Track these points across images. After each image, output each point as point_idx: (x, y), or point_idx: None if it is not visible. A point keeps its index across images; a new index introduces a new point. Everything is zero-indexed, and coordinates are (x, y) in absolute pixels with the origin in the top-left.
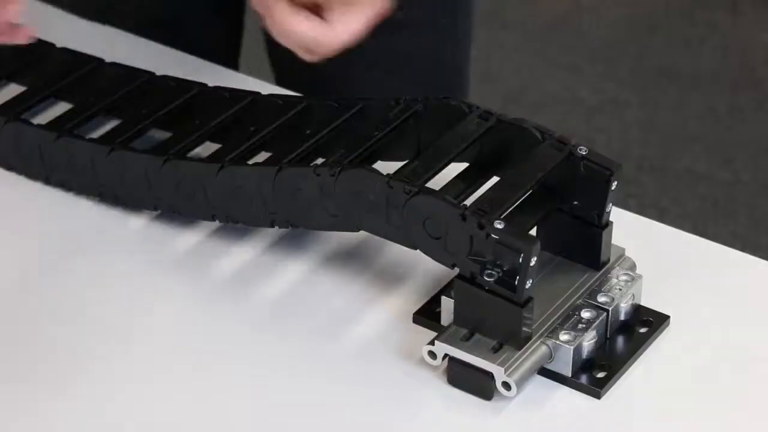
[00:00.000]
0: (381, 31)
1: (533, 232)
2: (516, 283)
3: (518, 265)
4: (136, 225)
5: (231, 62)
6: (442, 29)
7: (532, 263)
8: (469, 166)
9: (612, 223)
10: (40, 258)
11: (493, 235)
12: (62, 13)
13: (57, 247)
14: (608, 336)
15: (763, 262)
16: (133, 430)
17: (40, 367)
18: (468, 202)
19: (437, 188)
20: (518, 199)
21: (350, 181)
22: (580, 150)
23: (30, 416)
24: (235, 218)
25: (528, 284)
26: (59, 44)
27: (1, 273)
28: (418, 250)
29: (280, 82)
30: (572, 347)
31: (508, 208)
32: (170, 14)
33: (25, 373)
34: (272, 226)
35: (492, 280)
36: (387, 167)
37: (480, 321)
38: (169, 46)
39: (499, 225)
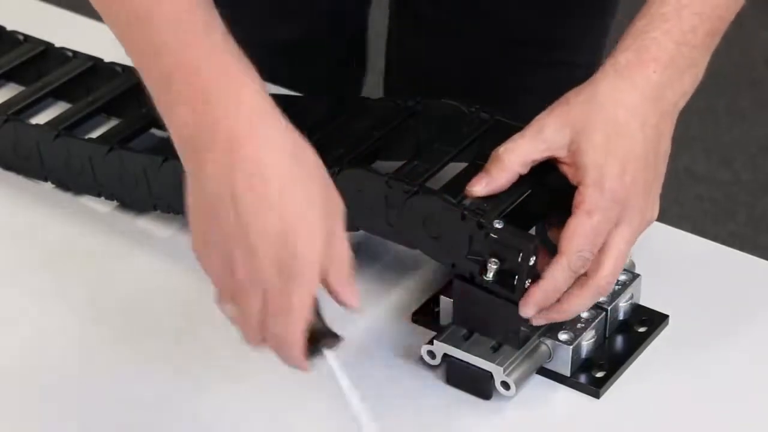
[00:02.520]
0: None
1: (532, 231)
2: (515, 282)
3: (517, 264)
4: (137, 224)
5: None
6: None
7: (531, 262)
8: (468, 166)
9: None
10: (38, 256)
11: (492, 235)
12: (61, 11)
13: (55, 246)
14: (607, 335)
15: (762, 261)
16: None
17: (39, 366)
18: (467, 202)
19: (436, 188)
20: (517, 199)
21: (349, 181)
22: None
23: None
24: None
25: (527, 283)
26: (58, 44)
27: (1, 272)
28: (416, 250)
29: None
30: (571, 347)
31: (507, 208)
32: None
33: (24, 372)
34: None
35: (491, 279)
36: (386, 167)
37: (479, 321)
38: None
39: (498, 224)
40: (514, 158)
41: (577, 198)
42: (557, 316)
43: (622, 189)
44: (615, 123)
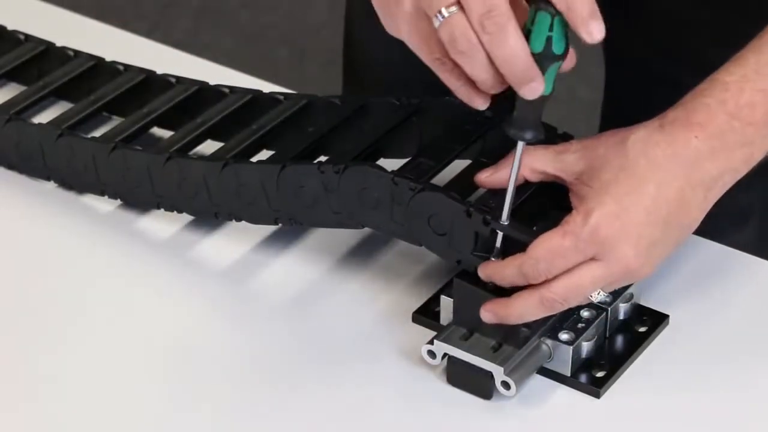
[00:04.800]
0: None
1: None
2: None
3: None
4: (139, 224)
5: None
6: None
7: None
8: (472, 163)
9: None
10: (41, 256)
11: (498, 231)
12: (61, 11)
13: (58, 246)
14: (607, 335)
15: (763, 261)
16: (133, 429)
17: (40, 366)
18: (473, 198)
19: (442, 185)
20: (523, 196)
21: (354, 178)
22: None
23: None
24: (239, 216)
25: None
26: (59, 43)
27: (1, 272)
28: (417, 249)
29: None
30: (571, 347)
31: (512, 204)
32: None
33: (25, 373)
34: (276, 223)
35: None
36: (391, 165)
37: (479, 320)
38: None
39: (504, 221)
40: (527, 160)
41: (566, 217)
42: (501, 312)
43: (607, 229)
44: (631, 170)
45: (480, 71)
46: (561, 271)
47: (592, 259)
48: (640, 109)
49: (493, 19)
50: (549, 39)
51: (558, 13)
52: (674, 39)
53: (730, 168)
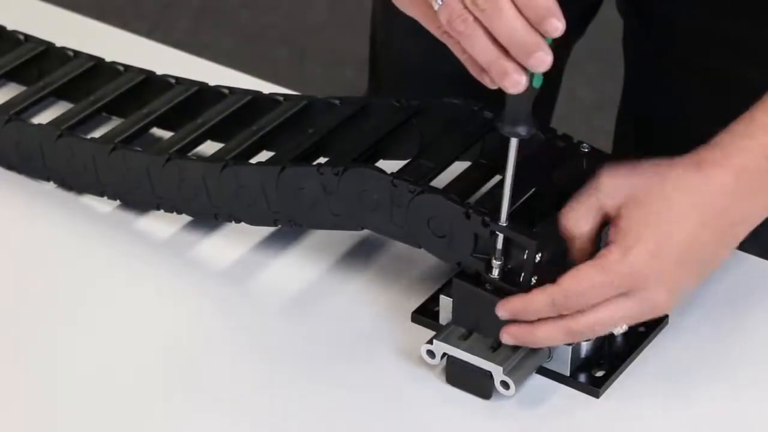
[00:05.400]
0: None
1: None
2: (521, 279)
3: (523, 261)
4: (138, 224)
5: None
6: None
7: (537, 259)
8: (472, 165)
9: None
10: (40, 256)
11: (498, 233)
12: (61, 11)
13: (58, 246)
14: (607, 335)
15: (762, 261)
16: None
17: (38, 366)
18: (472, 200)
19: (441, 187)
20: (522, 197)
21: (354, 180)
22: (583, 147)
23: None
24: (238, 217)
25: (533, 281)
26: (59, 43)
27: (0, 272)
28: (416, 250)
29: None
30: (571, 346)
31: (511, 206)
32: None
33: (24, 373)
34: (275, 225)
35: (496, 277)
36: (390, 166)
37: (478, 320)
38: None
39: (503, 222)
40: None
41: (603, 251)
42: (524, 337)
43: (645, 268)
44: (671, 211)
45: (481, 51)
46: (591, 305)
47: (622, 294)
48: (659, 107)
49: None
50: None
51: None
52: (688, 45)
53: (765, 207)
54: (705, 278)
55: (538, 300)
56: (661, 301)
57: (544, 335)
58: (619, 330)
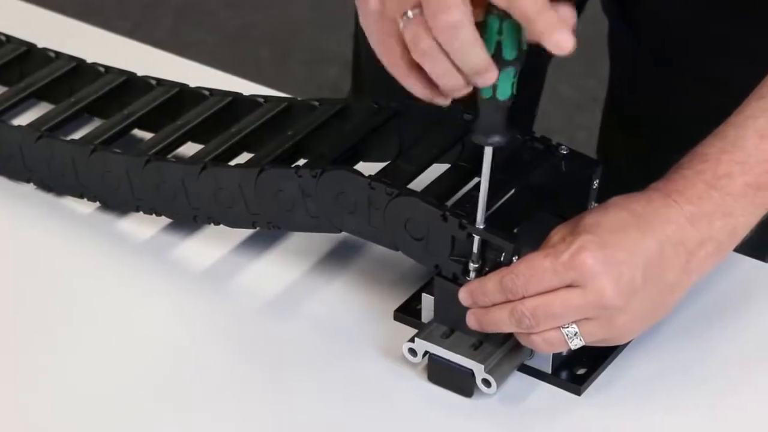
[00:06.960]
0: None
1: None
2: None
3: (500, 264)
4: (118, 226)
5: None
6: None
7: (514, 261)
8: (450, 167)
9: None
10: (19, 258)
11: (474, 235)
12: (43, 12)
13: (37, 248)
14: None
15: (756, 261)
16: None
17: (38, 365)
18: (450, 203)
19: (419, 189)
20: (500, 199)
21: (332, 182)
22: (562, 149)
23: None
24: (217, 219)
25: None
26: (40, 44)
27: None
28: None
29: None
30: None
31: (489, 208)
32: None
33: (23, 372)
34: (254, 227)
35: (473, 280)
36: (370, 168)
37: (460, 318)
38: None
39: (480, 225)
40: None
41: (550, 235)
42: (481, 318)
43: (588, 257)
44: (615, 218)
45: (440, 72)
46: (537, 291)
47: (570, 286)
48: (648, 108)
49: (446, 14)
50: (499, 43)
51: (506, 16)
52: (673, 45)
53: (710, 237)
54: (662, 304)
55: (490, 281)
56: (607, 295)
57: (493, 317)
58: (574, 343)
